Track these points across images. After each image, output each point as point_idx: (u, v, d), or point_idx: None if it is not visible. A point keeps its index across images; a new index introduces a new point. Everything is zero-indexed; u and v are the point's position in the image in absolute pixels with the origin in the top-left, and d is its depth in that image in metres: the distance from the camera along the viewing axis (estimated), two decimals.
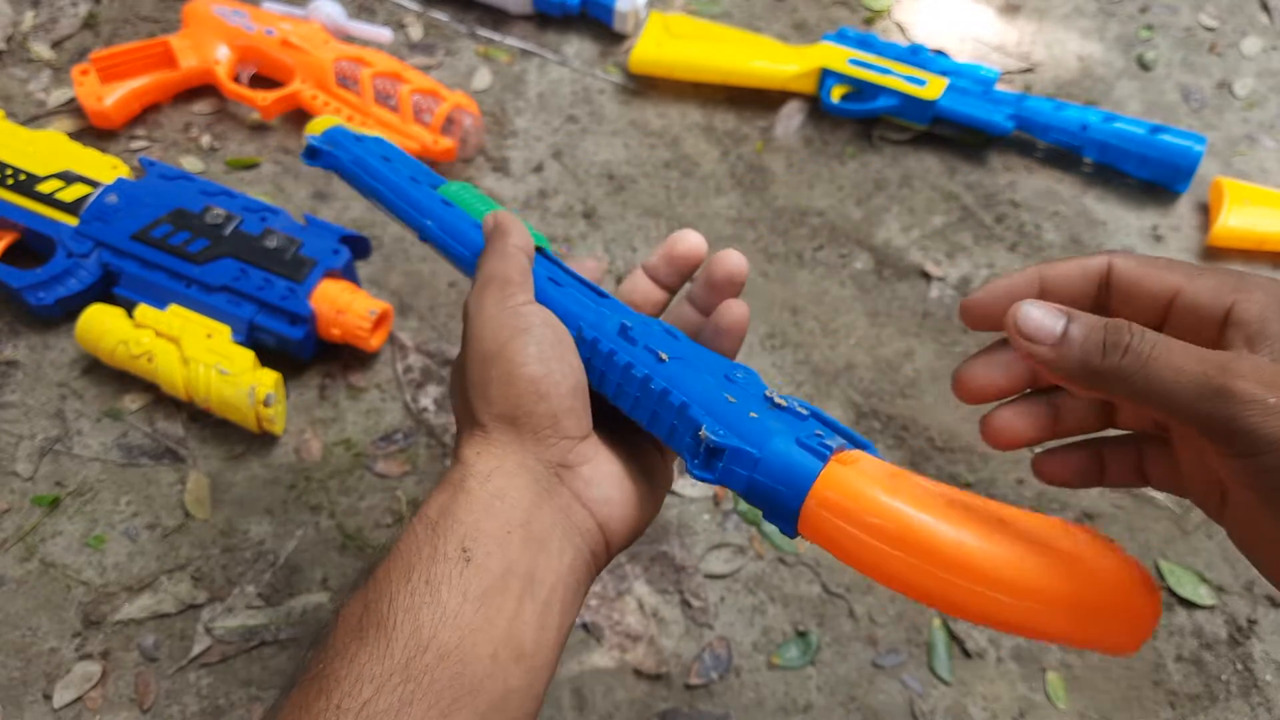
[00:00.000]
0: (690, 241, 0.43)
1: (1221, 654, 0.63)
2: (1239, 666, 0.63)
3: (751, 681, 0.62)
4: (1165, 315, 0.32)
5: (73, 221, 0.73)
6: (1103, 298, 0.33)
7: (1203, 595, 0.65)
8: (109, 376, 0.71)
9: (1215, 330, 0.30)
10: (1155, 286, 0.32)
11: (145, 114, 0.85)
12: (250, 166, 0.82)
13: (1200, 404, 0.26)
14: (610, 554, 0.38)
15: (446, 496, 0.35)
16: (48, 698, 0.59)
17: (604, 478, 0.37)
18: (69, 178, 0.74)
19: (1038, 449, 0.37)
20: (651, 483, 0.40)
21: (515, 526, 0.34)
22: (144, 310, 0.69)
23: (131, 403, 0.70)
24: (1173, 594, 0.65)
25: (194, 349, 0.67)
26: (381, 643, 0.31)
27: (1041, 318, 0.30)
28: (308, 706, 0.30)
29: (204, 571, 0.64)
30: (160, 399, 0.70)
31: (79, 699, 0.59)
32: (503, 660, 0.32)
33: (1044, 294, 0.34)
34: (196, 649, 0.61)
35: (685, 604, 0.64)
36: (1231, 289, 0.30)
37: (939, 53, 0.88)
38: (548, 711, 0.60)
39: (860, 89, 0.86)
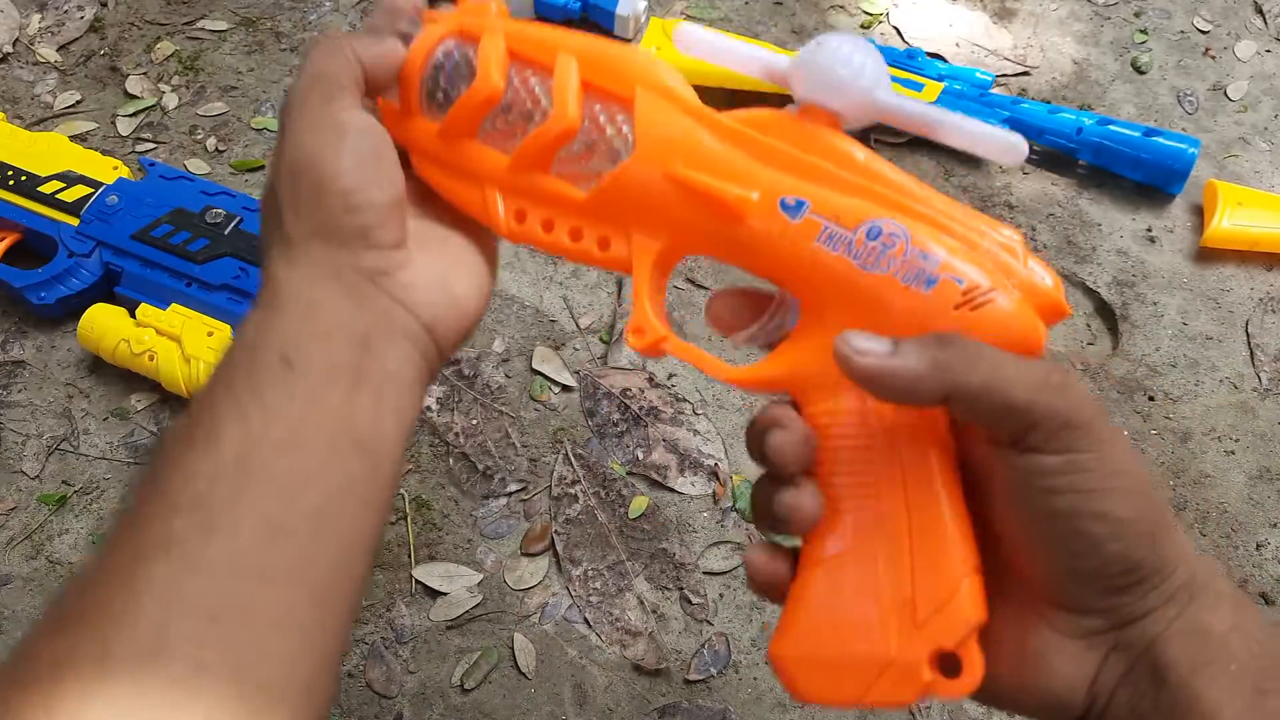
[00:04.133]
0: None
1: None
2: None
3: (750, 677, 0.62)
4: None
5: (74, 222, 0.73)
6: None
7: None
8: (115, 376, 0.71)
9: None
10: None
11: (150, 117, 0.85)
12: (256, 169, 0.83)
13: (1041, 394, 0.29)
14: (442, 355, 0.36)
15: (260, 315, 0.33)
16: None
17: (425, 282, 0.35)
18: (70, 178, 0.75)
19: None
20: (476, 280, 0.38)
21: (334, 329, 0.33)
22: (146, 309, 0.69)
23: (138, 402, 0.71)
24: None
25: (195, 347, 0.67)
26: (211, 445, 0.30)
27: (871, 339, 0.30)
28: (140, 512, 0.30)
29: None
30: (166, 398, 0.71)
31: None
32: (341, 448, 0.32)
33: None
34: None
35: (685, 600, 0.65)
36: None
37: (935, 57, 0.89)
38: (549, 707, 0.61)
39: None
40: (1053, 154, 0.87)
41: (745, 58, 0.35)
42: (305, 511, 0.30)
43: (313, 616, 0.30)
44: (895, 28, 0.96)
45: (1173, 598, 0.30)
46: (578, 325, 0.76)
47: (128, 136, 0.84)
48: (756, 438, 0.33)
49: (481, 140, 0.36)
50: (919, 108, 0.32)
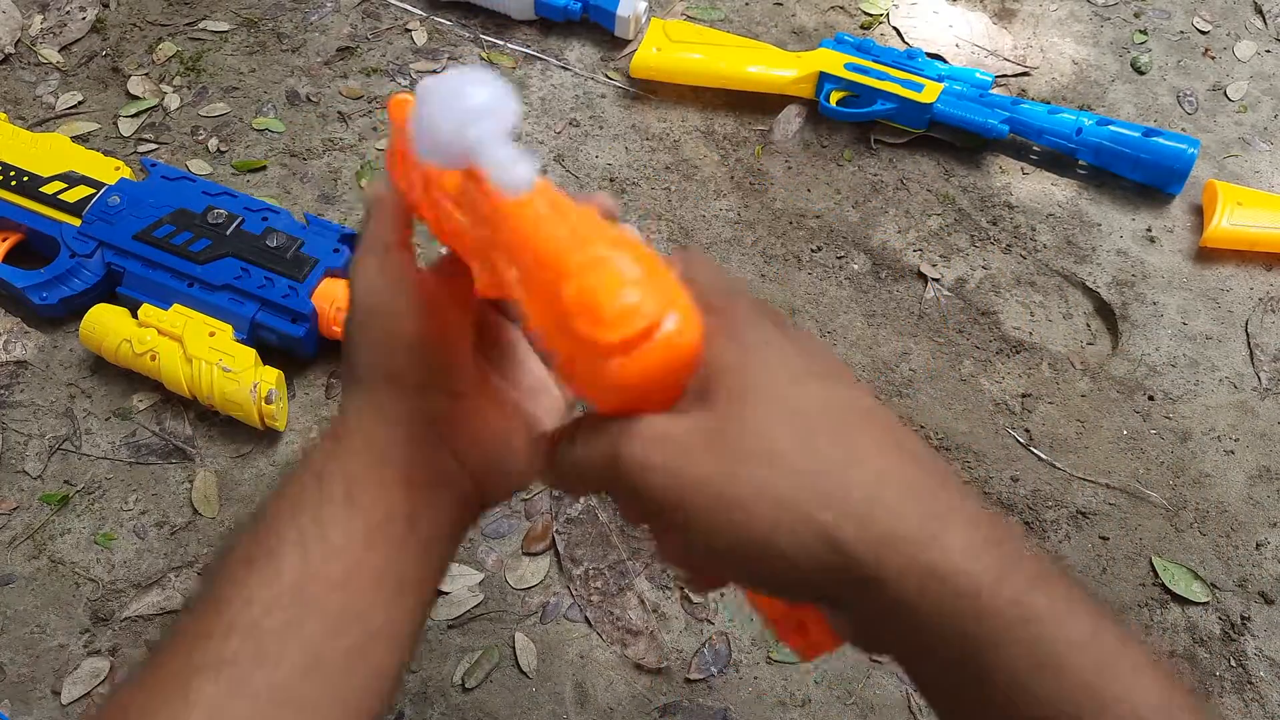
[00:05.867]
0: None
1: (1215, 650, 0.64)
2: (1232, 663, 0.64)
3: (750, 676, 0.63)
4: None
5: (76, 222, 0.73)
6: None
7: (1196, 592, 0.66)
8: (117, 376, 0.72)
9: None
10: None
11: (152, 118, 0.85)
12: (257, 169, 0.83)
13: (606, 469, 0.30)
14: (485, 506, 0.39)
15: (331, 446, 0.36)
16: (56, 694, 0.60)
17: (485, 438, 0.38)
18: (72, 179, 0.75)
19: None
20: (530, 445, 0.40)
21: (396, 478, 0.36)
22: (148, 309, 0.70)
23: (140, 402, 0.71)
24: (1166, 591, 0.66)
25: (197, 347, 0.68)
26: (270, 570, 0.33)
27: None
28: (200, 626, 0.32)
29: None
30: (168, 398, 0.71)
31: (87, 695, 0.60)
32: (387, 592, 0.35)
33: None
34: None
35: (686, 600, 0.65)
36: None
37: (935, 57, 0.89)
38: (550, 706, 0.61)
39: (858, 93, 0.87)
40: (1053, 154, 0.87)
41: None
42: (345, 648, 0.33)
43: None
44: (895, 28, 0.96)
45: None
46: None
47: (129, 137, 0.84)
48: None
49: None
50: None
